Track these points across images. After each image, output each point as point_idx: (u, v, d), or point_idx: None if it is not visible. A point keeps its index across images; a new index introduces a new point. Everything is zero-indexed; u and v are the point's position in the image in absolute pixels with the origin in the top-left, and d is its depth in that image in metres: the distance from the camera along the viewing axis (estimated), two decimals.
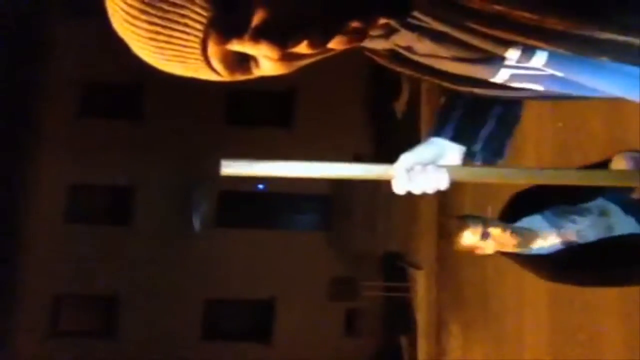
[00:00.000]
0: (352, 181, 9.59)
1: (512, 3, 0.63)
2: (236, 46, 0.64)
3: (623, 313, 3.18)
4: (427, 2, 0.68)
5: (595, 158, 3.57)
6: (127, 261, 9.63)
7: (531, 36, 0.65)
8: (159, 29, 0.62)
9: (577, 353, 3.69)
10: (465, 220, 2.06)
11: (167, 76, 0.73)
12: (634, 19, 0.63)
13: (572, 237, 2.11)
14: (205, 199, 9.73)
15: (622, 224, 2.16)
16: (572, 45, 0.65)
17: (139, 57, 0.68)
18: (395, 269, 9.10)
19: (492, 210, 2.66)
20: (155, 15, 0.61)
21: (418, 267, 8.29)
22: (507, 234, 2.04)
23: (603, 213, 2.19)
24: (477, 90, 0.80)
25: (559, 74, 0.72)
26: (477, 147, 1.02)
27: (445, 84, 0.79)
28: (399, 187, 1.00)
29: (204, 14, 0.61)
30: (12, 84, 9.22)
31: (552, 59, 0.69)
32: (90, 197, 10.10)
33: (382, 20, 0.71)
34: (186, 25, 0.62)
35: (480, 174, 1.06)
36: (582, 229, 2.14)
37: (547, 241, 2.12)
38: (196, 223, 9.70)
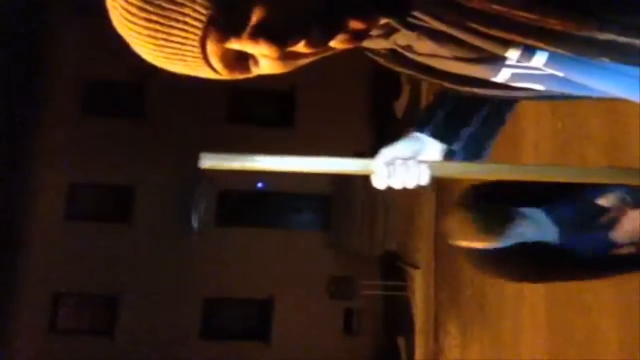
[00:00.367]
0: (351, 181, 9.60)
1: (512, 3, 0.64)
2: (235, 45, 0.64)
3: (620, 313, 3.19)
4: (427, 1, 0.68)
5: (593, 158, 3.58)
6: (127, 260, 9.63)
7: (531, 36, 0.65)
8: (158, 26, 0.62)
9: (574, 353, 3.70)
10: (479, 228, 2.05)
11: (168, 75, 0.73)
12: (634, 20, 0.63)
13: (525, 236, 2.12)
14: (204, 198, 9.73)
15: (569, 229, 2.20)
16: (572, 45, 0.65)
17: (139, 56, 0.68)
18: (394, 268, 9.10)
19: None
20: (155, 13, 0.62)
21: (416, 267, 8.30)
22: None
23: (550, 213, 2.21)
24: (477, 90, 0.80)
25: (559, 74, 0.72)
26: (457, 145, 1.02)
27: (445, 84, 0.80)
28: (379, 182, 1.00)
29: (203, 12, 0.61)
30: (13, 82, 9.20)
31: (553, 59, 0.70)
32: (90, 196, 10.09)
33: (383, 20, 0.71)
34: (185, 23, 0.62)
35: (461, 170, 1.06)
36: (531, 229, 2.17)
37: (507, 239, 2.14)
38: (195, 222, 9.70)
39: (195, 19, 0.62)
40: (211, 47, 0.64)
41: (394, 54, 0.78)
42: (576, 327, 3.70)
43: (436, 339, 7.11)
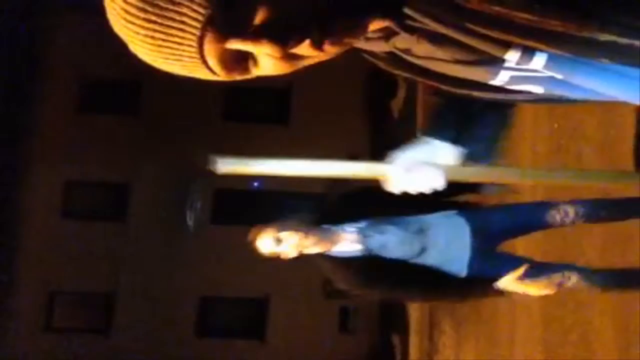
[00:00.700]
0: (346, 179, 9.56)
1: (511, 4, 0.63)
2: (235, 44, 0.64)
3: (615, 313, 3.20)
4: (425, 2, 0.68)
5: (590, 159, 3.59)
6: (123, 258, 9.61)
7: (531, 38, 0.65)
8: (156, 27, 0.62)
9: (569, 352, 3.71)
10: (257, 230, 2.10)
11: (165, 73, 0.73)
12: (634, 21, 0.63)
13: (374, 247, 2.17)
14: (200, 197, 9.72)
15: (441, 248, 2.21)
16: (572, 46, 0.65)
17: (136, 54, 0.68)
18: None
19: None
20: (153, 13, 0.61)
21: None
22: (300, 236, 2.08)
23: (421, 231, 2.23)
24: (475, 93, 0.80)
25: (558, 76, 0.72)
26: (470, 148, 1.03)
27: (443, 87, 0.80)
28: (395, 186, 1.01)
29: (202, 11, 0.61)
30: (8, 80, 9.17)
31: (552, 61, 0.69)
32: (86, 194, 10.06)
33: (382, 23, 0.70)
34: (183, 23, 0.61)
35: (474, 173, 1.07)
36: (387, 241, 2.18)
37: (347, 245, 2.19)
38: (191, 221, 9.68)
39: (193, 18, 0.61)
40: (209, 47, 0.63)
41: (393, 57, 0.78)
42: (571, 325, 3.71)
43: (431, 338, 7.13)
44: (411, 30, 0.72)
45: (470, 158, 1.04)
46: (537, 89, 0.78)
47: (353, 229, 2.21)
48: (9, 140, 9.29)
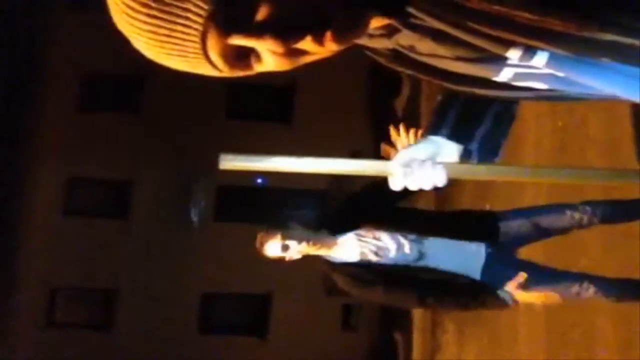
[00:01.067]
0: (349, 177, 9.54)
1: (512, 3, 0.63)
2: (238, 40, 0.64)
3: (617, 312, 3.20)
4: (427, 1, 0.68)
5: (592, 157, 3.59)
6: (125, 255, 9.62)
7: (532, 37, 0.65)
8: (159, 22, 0.62)
9: (570, 351, 3.71)
10: (265, 234, 2.20)
11: (167, 70, 0.73)
12: (634, 20, 0.63)
13: (370, 252, 2.25)
14: (203, 194, 9.72)
15: (439, 256, 2.24)
16: (573, 46, 0.65)
17: (137, 51, 0.68)
18: None
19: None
20: (156, 9, 0.61)
21: None
22: (305, 244, 2.20)
23: (419, 237, 2.31)
24: (478, 91, 0.80)
25: (560, 74, 0.72)
26: (474, 145, 1.03)
27: (446, 84, 0.79)
28: (396, 184, 1.01)
29: (205, 7, 0.61)
30: (9, 77, 9.18)
31: (553, 60, 0.70)
32: (88, 191, 10.07)
33: (385, 20, 0.70)
34: (187, 18, 0.61)
35: (477, 171, 1.07)
36: (383, 246, 2.25)
37: (345, 252, 2.28)
38: (194, 217, 9.69)
39: (197, 14, 0.61)
40: (212, 43, 0.63)
41: (396, 54, 0.78)
42: (573, 325, 3.71)
43: (434, 335, 7.13)
44: (414, 28, 0.72)
45: (473, 155, 1.04)
46: (541, 85, 0.78)
47: (353, 235, 2.28)
48: (10, 139, 9.31)
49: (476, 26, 0.66)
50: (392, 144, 1.71)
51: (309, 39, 0.64)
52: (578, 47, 0.65)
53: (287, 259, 2.23)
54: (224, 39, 0.63)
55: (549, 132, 4.24)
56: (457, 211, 2.78)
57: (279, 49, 0.64)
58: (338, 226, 2.31)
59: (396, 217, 2.33)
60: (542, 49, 0.68)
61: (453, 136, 1.03)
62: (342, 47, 0.66)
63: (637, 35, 0.63)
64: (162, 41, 0.63)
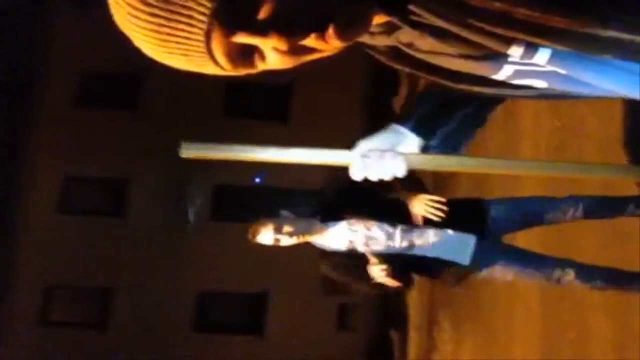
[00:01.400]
0: (347, 177, 9.55)
1: (512, 1, 0.63)
2: (242, 38, 0.63)
3: (612, 311, 3.21)
4: None
5: (591, 156, 3.59)
6: (121, 253, 9.61)
7: (533, 34, 0.65)
8: (162, 21, 0.61)
9: (566, 350, 3.72)
10: (257, 225, 2.37)
11: (165, 68, 0.72)
12: (637, 17, 0.63)
13: (359, 242, 2.35)
14: (199, 192, 9.71)
15: (429, 245, 2.31)
16: (574, 42, 0.65)
17: (136, 49, 0.67)
18: None
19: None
20: (159, 7, 0.61)
21: None
22: (296, 235, 2.36)
23: (409, 228, 2.38)
24: (475, 89, 0.80)
25: (562, 71, 0.72)
26: (434, 142, 1.03)
27: (444, 82, 0.79)
28: (356, 173, 1.01)
29: (208, 5, 0.61)
30: (8, 74, 9.15)
31: (555, 57, 0.69)
32: (84, 189, 10.05)
33: (385, 17, 0.70)
34: (190, 17, 0.61)
35: (438, 162, 1.07)
36: (373, 236, 2.35)
37: (334, 240, 2.40)
38: (190, 216, 9.68)
39: (200, 12, 0.61)
40: (216, 41, 0.63)
41: (395, 52, 0.78)
42: (569, 324, 3.72)
43: (430, 334, 7.14)
44: (414, 25, 0.71)
45: (431, 151, 1.05)
46: (541, 84, 0.78)
47: (344, 225, 2.38)
48: (7, 136, 9.27)
49: (477, 23, 0.66)
50: None
51: (313, 36, 0.64)
52: (580, 44, 0.65)
53: (279, 243, 2.39)
54: (228, 37, 0.63)
55: (547, 131, 4.25)
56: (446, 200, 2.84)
57: (284, 46, 0.63)
58: (329, 215, 2.40)
59: (384, 207, 2.38)
60: (544, 46, 0.68)
61: (415, 129, 1.03)
62: (345, 44, 0.66)
63: (639, 32, 0.63)
64: (164, 40, 0.63)
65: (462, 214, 2.40)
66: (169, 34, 0.62)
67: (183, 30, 0.62)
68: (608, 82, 0.73)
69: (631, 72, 0.70)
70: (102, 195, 10.15)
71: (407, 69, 0.79)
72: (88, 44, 9.21)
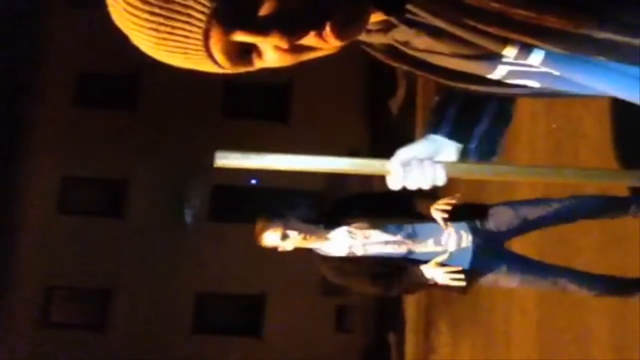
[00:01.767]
0: (344, 177, 9.59)
1: (509, 0, 0.64)
2: (241, 37, 0.63)
3: (611, 313, 3.21)
4: None
5: (587, 158, 3.60)
6: (119, 254, 9.59)
7: (528, 34, 0.66)
8: (161, 19, 0.61)
9: (564, 352, 3.72)
10: (266, 222, 2.34)
11: (163, 67, 0.72)
12: (631, 19, 0.63)
13: (358, 248, 2.38)
14: (198, 193, 9.70)
15: (431, 250, 2.34)
16: (569, 44, 0.65)
17: (134, 48, 0.67)
18: None
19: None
20: (157, 6, 0.61)
21: None
22: (302, 235, 2.36)
23: (409, 235, 2.40)
24: (472, 87, 0.80)
25: (555, 72, 0.72)
26: (473, 144, 1.02)
27: (441, 81, 0.80)
28: (395, 183, 1.00)
29: (207, 4, 0.61)
30: (7, 74, 9.14)
31: (549, 58, 0.70)
32: (83, 189, 10.03)
33: (382, 16, 0.71)
34: (189, 15, 0.61)
35: (476, 170, 1.07)
36: (370, 243, 2.36)
37: (334, 245, 2.42)
38: (189, 217, 9.67)
39: (199, 11, 0.61)
40: (215, 40, 0.63)
41: (392, 50, 0.78)
42: (567, 325, 3.72)
43: (427, 337, 7.13)
44: (410, 24, 0.72)
45: (471, 154, 1.04)
46: (535, 84, 0.78)
47: (344, 231, 2.40)
48: (5, 136, 9.26)
49: (473, 23, 0.67)
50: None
51: (312, 34, 0.64)
52: (575, 45, 0.65)
53: (280, 249, 2.36)
54: (227, 36, 0.63)
55: (544, 132, 4.25)
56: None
57: (283, 44, 0.63)
58: (330, 222, 2.41)
59: (385, 212, 2.39)
60: (538, 47, 0.68)
61: (452, 135, 1.02)
62: (343, 42, 0.66)
63: (634, 34, 0.63)
64: (163, 38, 0.63)
65: (461, 220, 2.41)
66: (167, 33, 0.62)
67: (182, 29, 0.62)
68: (603, 84, 0.73)
69: (627, 75, 0.70)
70: (101, 196, 10.13)
71: (404, 67, 0.80)
72: (87, 44, 9.21)
